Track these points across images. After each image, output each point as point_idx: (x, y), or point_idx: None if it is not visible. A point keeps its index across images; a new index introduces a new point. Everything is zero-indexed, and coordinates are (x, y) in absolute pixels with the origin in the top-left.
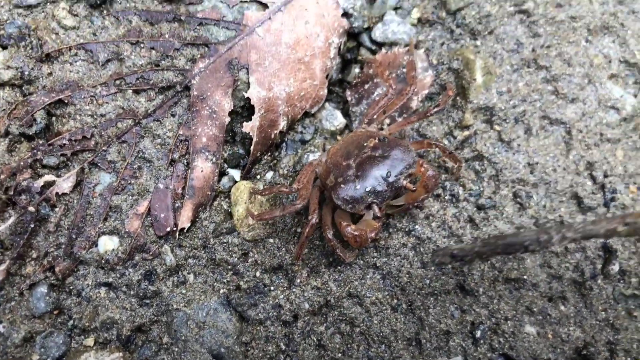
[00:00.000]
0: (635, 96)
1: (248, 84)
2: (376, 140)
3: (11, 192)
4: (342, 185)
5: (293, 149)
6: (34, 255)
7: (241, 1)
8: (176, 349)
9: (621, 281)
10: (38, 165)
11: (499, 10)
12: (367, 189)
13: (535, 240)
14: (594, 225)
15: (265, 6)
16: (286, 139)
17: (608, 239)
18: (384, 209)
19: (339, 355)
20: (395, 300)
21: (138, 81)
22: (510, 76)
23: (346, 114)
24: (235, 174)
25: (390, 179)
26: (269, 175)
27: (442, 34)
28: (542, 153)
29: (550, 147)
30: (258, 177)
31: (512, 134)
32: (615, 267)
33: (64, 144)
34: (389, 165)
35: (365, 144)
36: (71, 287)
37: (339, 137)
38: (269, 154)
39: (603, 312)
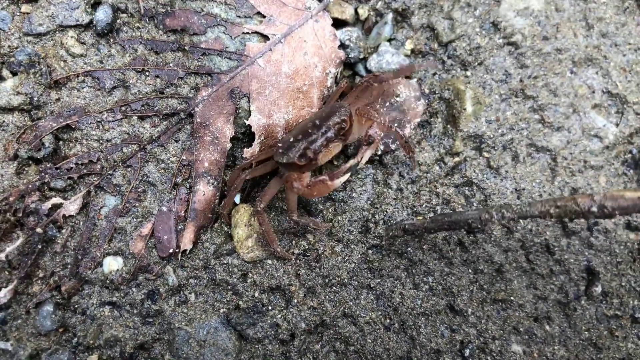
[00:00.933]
0: (617, 125)
1: (249, 112)
2: (320, 112)
3: (20, 214)
4: (281, 144)
5: None
6: (41, 275)
7: (243, 33)
8: None
9: (604, 302)
10: (46, 188)
11: (488, 42)
12: (299, 137)
13: (477, 219)
14: (529, 207)
15: (266, 38)
16: None
17: (542, 219)
18: (317, 154)
19: None
20: (388, 320)
21: (143, 108)
22: (499, 105)
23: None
24: (236, 197)
25: (322, 129)
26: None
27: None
28: (529, 179)
29: (537, 173)
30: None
31: (500, 161)
32: (598, 289)
33: (71, 168)
34: (322, 120)
35: (310, 120)
36: (76, 306)
37: (334, 162)
38: (268, 177)
39: (586, 332)
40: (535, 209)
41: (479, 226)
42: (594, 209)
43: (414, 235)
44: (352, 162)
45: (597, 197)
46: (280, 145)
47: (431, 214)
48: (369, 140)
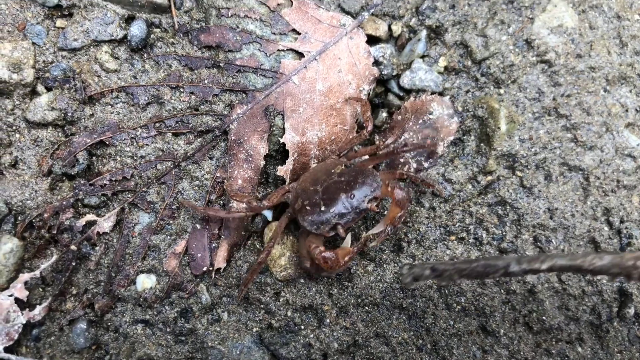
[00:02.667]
0: None
1: (283, 130)
2: (343, 167)
3: (54, 231)
4: (309, 208)
5: None
6: (74, 292)
7: (278, 50)
8: None
9: (636, 324)
10: (79, 204)
11: (522, 60)
12: (332, 211)
13: (516, 264)
14: (572, 256)
15: (301, 55)
16: None
17: (586, 272)
18: (346, 230)
19: None
20: (421, 341)
21: (177, 124)
22: (531, 124)
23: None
24: (268, 214)
25: (354, 202)
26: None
27: (467, 82)
28: (562, 199)
29: (569, 193)
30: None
31: (533, 180)
32: (630, 311)
33: (105, 184)
34: (352, 188)
35: (332, 171)
36: (109, 324)
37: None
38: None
39: (619, 354)
40: (583, 260)
41: (518, 273)
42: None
43: (442, 278)
44: (373, 243)
45: None
46: (305, 206)
47: (464, 234)
48: (394, 224)
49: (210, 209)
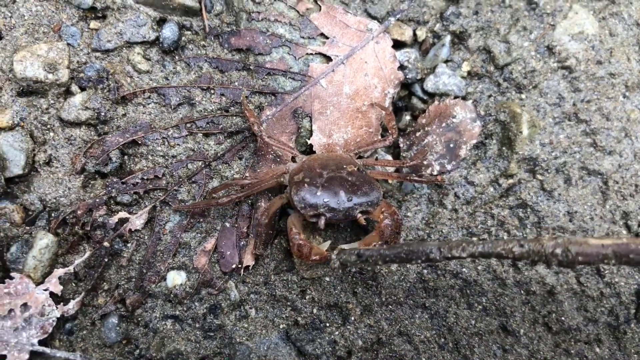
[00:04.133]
0: None
1: (310, 131)
2: (355, 169)
3: (87, 228)
4: (306, 186)
5: None
6: (106, 288)
7: (307, 53)
8: None
9: None
10: (112, 202)
11: (543, 66)
12: (325, 201)
13: (437, 251)
14: (492, 244)
15: (329, 59)
16: None
17: (504, 259)
18: (326, 224)
19: None
20: (443, 339)
21: (208, 125)
22: (552, 129)
23: (397, 158)
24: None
25: (348, 204)
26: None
27: (490, 86)
28: (581, 202)
29: (588, 196)
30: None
31: (553, 184)
32: None
33: (137, 183)
34: (354, 192)
35: (344, 166)
36: (140, 319)
37: (389, 180)
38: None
39: (636, 355)
40: (499, 246)
41: (438, 258)
42: (558, 251)
43: (367, 263)
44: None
45: (560, 239)
46: (304, 182)
47: (485, 235)
48: (381, 235)
49: (202, 202)
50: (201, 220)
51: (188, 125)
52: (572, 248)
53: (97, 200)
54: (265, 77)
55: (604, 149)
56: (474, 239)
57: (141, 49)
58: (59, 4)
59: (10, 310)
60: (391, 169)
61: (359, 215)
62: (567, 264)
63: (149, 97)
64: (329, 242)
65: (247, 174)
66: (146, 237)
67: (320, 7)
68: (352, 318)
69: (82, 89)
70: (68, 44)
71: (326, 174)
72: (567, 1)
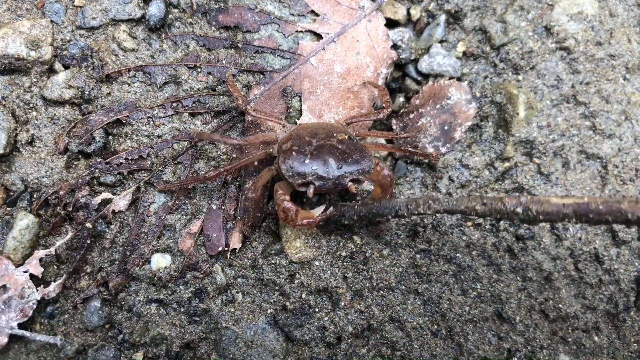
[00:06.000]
0: None
1: (300, 111)
2: (346, 137)
3: (69, 208)
4: (294, 154)
5: None
6: (89, 270)
7: (296, 31)
8: None
9: None
10: (95, 182)
11: (540, 46)
12: (314, 169)
13: (404, 207)
14: (456, 202)
15: (319, 37)
16: None
17: (467, 215)
18: (314, 193)
19: None
20: (436, 326)
21: (194, 104)
22: (550, 111)
23: (389, 141)
24: None
25: (338, 172)
26: (315, 198)
27: (486, 67)
28: (579, 186)
29: (587, 180)
30: (304, 200)
31: (550, 167)
32: None
33: (121, 163)
34: (344, 160)
35: (335, 134)
36: (123, 303)
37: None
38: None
39: (635, 344)
40: (462, 204)
41: (406, 214)
42: (519, 210)
43: (345, 218)
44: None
45: (523, 199)
46: (292, 150)
47: (480, 220)
48: (382, 187)
49: (189, 178)
50: (187, 202)
51: (174, 104)
52: (532, 207)
53: (80, 180)
54: (254, 55)
55: (604, 132)
56: (439, 196)
57: (127, 27)
58: None
59: None
60: (383, 141)
61: (350, 183)
62: (528, 222)
63: (134, 76)
64: (323, 206)
65: (235, 155)
66: (130, 219)
67: None
68: (342, 303)
69: (66, 67)
70: (52, 21)
71: (315, 142)
72: None
